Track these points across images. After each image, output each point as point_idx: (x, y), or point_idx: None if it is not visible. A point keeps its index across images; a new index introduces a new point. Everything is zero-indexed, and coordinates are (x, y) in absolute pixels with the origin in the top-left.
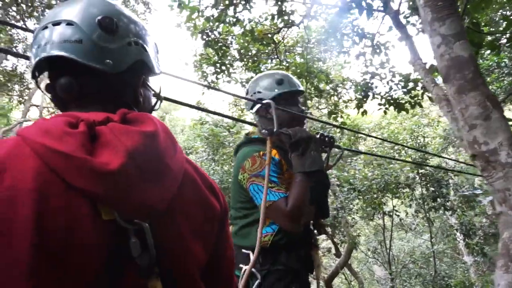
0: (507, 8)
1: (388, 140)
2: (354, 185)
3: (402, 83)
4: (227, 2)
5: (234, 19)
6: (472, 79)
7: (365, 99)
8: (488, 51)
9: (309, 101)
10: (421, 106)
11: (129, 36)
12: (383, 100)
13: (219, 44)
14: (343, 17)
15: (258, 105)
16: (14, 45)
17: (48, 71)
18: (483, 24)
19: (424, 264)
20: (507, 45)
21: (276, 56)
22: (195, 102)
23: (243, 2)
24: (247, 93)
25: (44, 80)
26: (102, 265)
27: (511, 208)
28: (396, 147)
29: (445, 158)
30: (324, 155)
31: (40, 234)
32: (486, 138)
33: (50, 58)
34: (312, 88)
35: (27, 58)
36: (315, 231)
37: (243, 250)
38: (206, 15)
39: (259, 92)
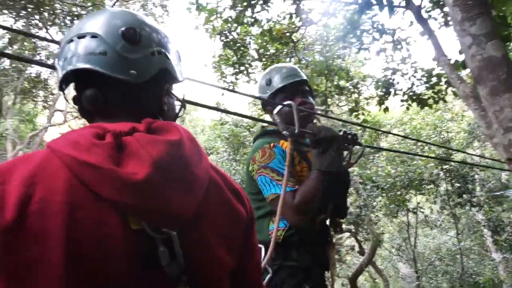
0: None
1: (409, 137)
2: (377, 182)
3: (425, 78)
4: (245, 4)
5: (252, 20)
6: (506, 80)
7: (386, 96)
8: None
9: (329, 99)
10: (445, 101)
11: (152, 46)
12: (405, 96)
13: (238, 45)
14: (363, 14)
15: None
16: (38, 52)
17: (74, 83)
18: (510, 18)
19: (450, 261)
20: None
21: (295, 55)
22: (214, 103)
23: (260, 2)
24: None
25: (71, 92)
26: (132, 275)
27: None
28: (419, 143)
29: (469, 154)
30: (345, 153)
31: (72, 245)
32: None
33: (76, 70)
34: (332, 86)
35: (48, 66)
36: (332, 229)
37: None
38: (224, 17)
39: (262, 95)
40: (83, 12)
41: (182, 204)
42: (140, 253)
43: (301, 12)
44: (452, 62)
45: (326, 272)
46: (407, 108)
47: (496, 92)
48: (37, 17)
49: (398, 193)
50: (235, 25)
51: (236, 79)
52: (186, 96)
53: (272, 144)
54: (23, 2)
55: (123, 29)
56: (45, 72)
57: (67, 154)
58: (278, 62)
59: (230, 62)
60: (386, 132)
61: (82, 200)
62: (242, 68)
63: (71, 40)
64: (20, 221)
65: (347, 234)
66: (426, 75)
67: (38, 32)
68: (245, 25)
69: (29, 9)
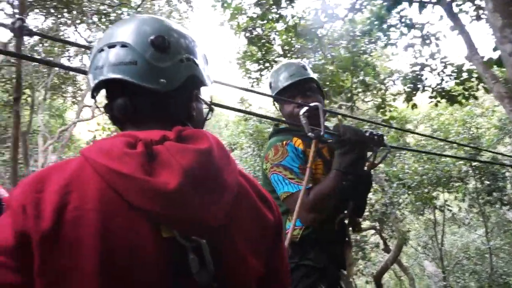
0: None
1: (433, 136)
2: (404, 180)
3: (455, 74)
4: (271, 2)
5: (277, 16)
6: None
7: (414, 92)
8: None
9: (354, 95)
10: (476, 98)
11: (180, 53)
12: (434, 93)
13: (262, 41)
14: (392, 9)
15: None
16: (67, 48)
17: (105, 92)
18: None
19: (479, 260)
20: None
21: (320, 51)
22: (239, 98)
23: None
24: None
25: (103, 100)
26: (163, 283)
27: None
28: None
29: (498, 153)
30: (369, 153)
31: (105, 254)
32: None
33: (107, 80)
34: (358, 82)
35: (76, 70)
36: (350, 229)
37: None
38: (249, 14)
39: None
40: (110, 10)
41: (211, 213)
42: (171, 261)
43: (326, 8)
44: (485, 59)
45: (343, 271)
46: (436, 105)
47: None
48: (66, 15)
49: (425, 191)
50: (260, 21)
51: (261, 75)
52: (212, 92)
53: (284, 142)
54: (54, 3)
55: (152, 37)
56: None
57: (99, 163)
58: (303, 58)
59: (255, 58)
60: (411, 132)
61: (114, 208)
62: (267, 64)
63: (102, 50)
64: (56, 230)
65: (372, 231)
66: (456, 70)
67: (66, 29)
68: (270, 22)
69: (59, 7)
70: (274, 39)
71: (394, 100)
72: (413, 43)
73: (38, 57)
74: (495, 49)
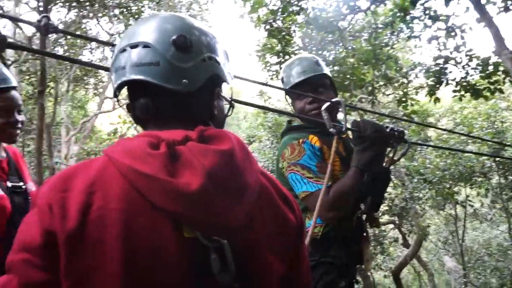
0: None
1: (457, 132)
2: (425, 175)
3: (480, 67)
4: None
5: (298, 8)
6: None
7: (438, 86)
8: None
9: (376, 89)
10: (502, 92)
11: (202, 52)
12: (458, 86)
13: (283, 34)
14: (417, 2)
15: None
16: (89, 42)
17: (127, 91)
18: None
19: (501, 257)
20: None
21: (341, 43)
22: (258, 91)
23: None
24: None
25: (125, 98)
26: (185, 283)
27: None
28: (470, 134)
29: None
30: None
31: (128, 253)
32: None
33: (129, 81)
34: (380, 76)
35: (97, 67)
36: (368, 224)
37: None
38: (270, 7)
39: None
40: (131, 3)
41: (233, 214)
42: (193, 261)
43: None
44: None
45: (361, 266)
46: (460, 99)
47: None
48: (88, 8)
49: (447, 186)
50: (281, 14)
51: (280, 68)
52: (231, 84)
53: (301, 140)
54: None
55: (174, 37)
56: (95, 61)
57: (123, 163)
58: (323, 51)
59: (274, 51)
60: (432, 126)
61: (138, 209)
62: (287, 57)
63: (124, 50)
64: (81, 230)
65: (391, 225)
66: (481, 63)
67: (89, 21)
68: (291, 14)
69: (81, 1)
70: (294, 31)
71: (416, 93)
72: (438, 36)
73: (61, 49)
74: None
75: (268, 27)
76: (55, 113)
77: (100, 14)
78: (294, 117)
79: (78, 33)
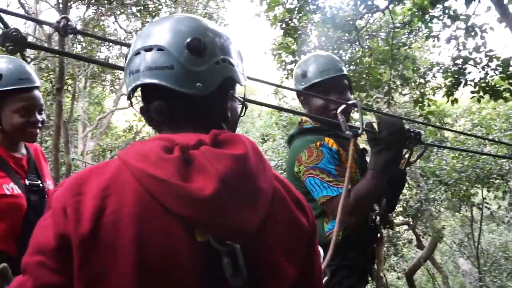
0: None
1: (473, 134)
2: (441, 176)
3: (500, 68)
4: None
5: (315, 7)
6: None
7: (456, 86)
8: None
9: (392, 89)
10: None
11: (216, 55)
12: (477, 87)
13: (299, 32)
14: (436, 3)
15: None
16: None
17: (141, 94)
18: None
19: None
20: None
21: (357, 43)
22: (272, 89)
23: None
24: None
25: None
26: (198, 286)
27: None
28: (489, 136)
29: None
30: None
31: (141, 256)
32: None
33: (143, 84)
34: (397, 76)
35: (113, 67)
36: (382, 226)
37: None
38: (286, 6)
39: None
40: (149, 2)
41: (246, 219)
42: (205, 265)
43: None
44: None
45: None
46: (478, 101)
47: None
48: (106, 6)
49: (463, 188)
50: (297, 13)
51: None
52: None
53: (318, 143)
54: None
55: (188, 40)
56: (112, 58)
57: (136, 167)
58: (339, 50)
59: (290, 50)
60: (449, 130)
61: (151, 212)
62: (303, 56)
63: (138, 53)
64: (95, 234)
65: (405, 227)
66: (502, 64)
67: (107, 19)
68: (308, 13)
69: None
70: (310, 30)
71: (434, 94)
72: (457, 35)
73: (79, 46)
74: None
75: (284, 25)
76: (72, 109)
77: (118, 12)
78: (307, 117)
79: (96, 30)
